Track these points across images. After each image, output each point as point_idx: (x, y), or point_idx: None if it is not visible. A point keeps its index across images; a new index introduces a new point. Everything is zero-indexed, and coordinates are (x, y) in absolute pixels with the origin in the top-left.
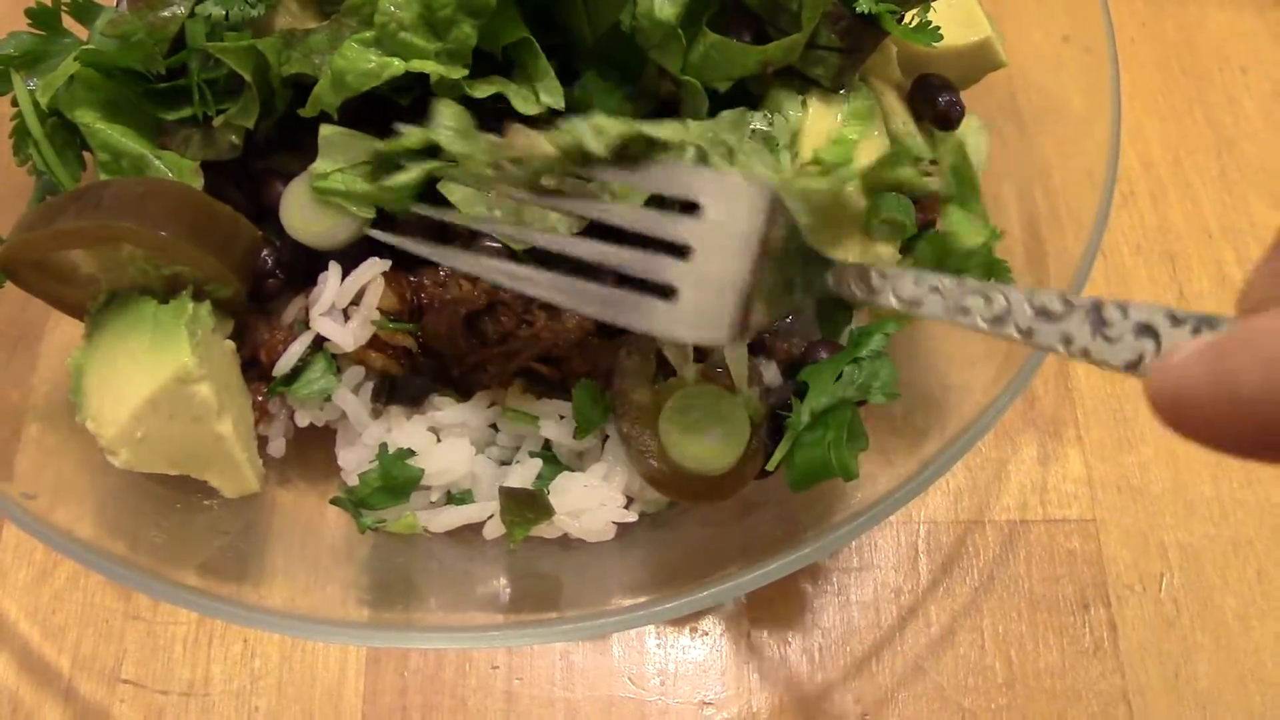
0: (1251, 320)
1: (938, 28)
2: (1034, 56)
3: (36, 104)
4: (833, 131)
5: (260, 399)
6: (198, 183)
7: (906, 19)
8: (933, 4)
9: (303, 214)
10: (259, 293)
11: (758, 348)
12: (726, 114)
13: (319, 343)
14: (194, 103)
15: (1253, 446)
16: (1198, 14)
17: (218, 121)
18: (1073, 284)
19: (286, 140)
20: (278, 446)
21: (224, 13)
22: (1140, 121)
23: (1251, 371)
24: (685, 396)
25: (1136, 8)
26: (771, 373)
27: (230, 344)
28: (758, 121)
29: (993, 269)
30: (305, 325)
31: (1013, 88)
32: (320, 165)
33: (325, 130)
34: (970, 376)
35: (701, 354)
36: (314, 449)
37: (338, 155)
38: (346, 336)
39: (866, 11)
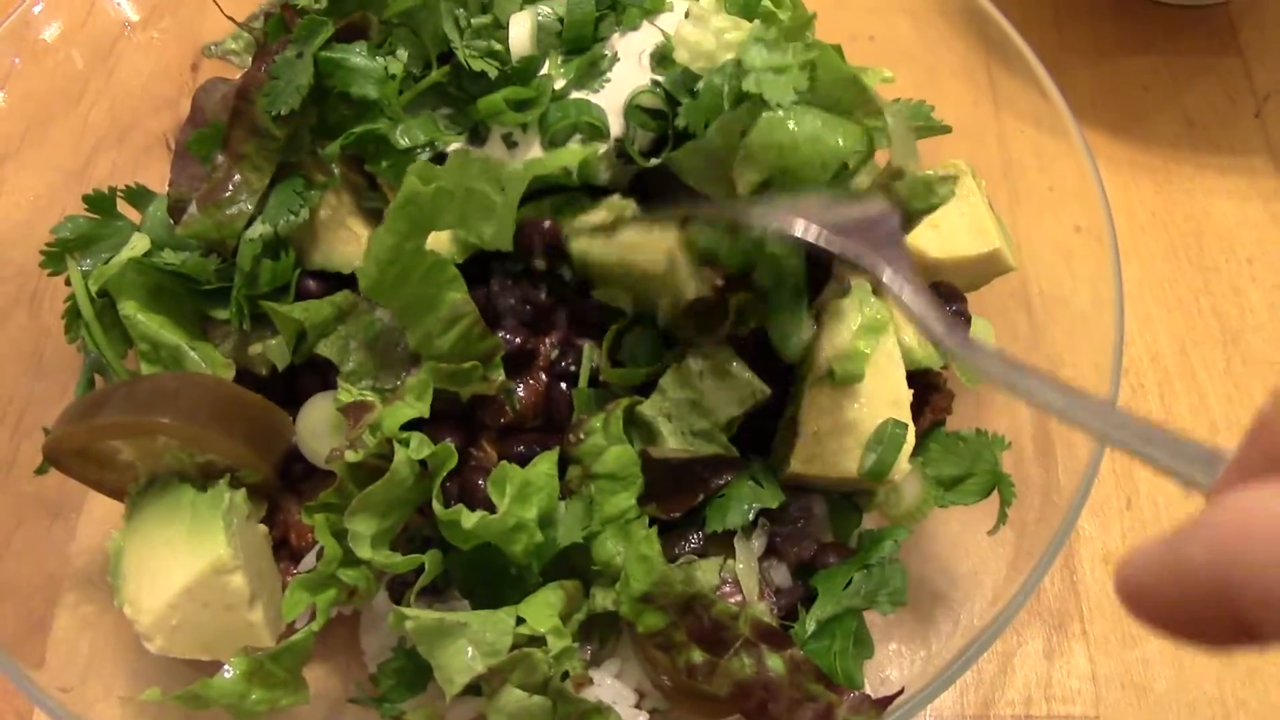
0: (1206, 511)
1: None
2: (1047, 245)
3: (87, 288)
4: (846, 345)
5: (289, 580)
6: (229, 374)
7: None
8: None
9: (316, 433)
10: (289, 473)
11: (769, 550)
12: (666, 380)
13: None
14: (231, 315)
15: (1197, 633)
16: (1205, 204)
17: (254, 350)
18: (1082, 481)
19: None
20: (304, 621)
21: (273, 230)
22: (1149, 312)
23: (1197, 562)
24: None
25: (1145, 196)
26: (782, 574)
27: (263, 528)
28: (697, 364)
29: (998, 481)
30: None
31: (1025, 276)
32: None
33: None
34: (978, 565)
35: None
36: (339, 628)
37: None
38: None
39: None
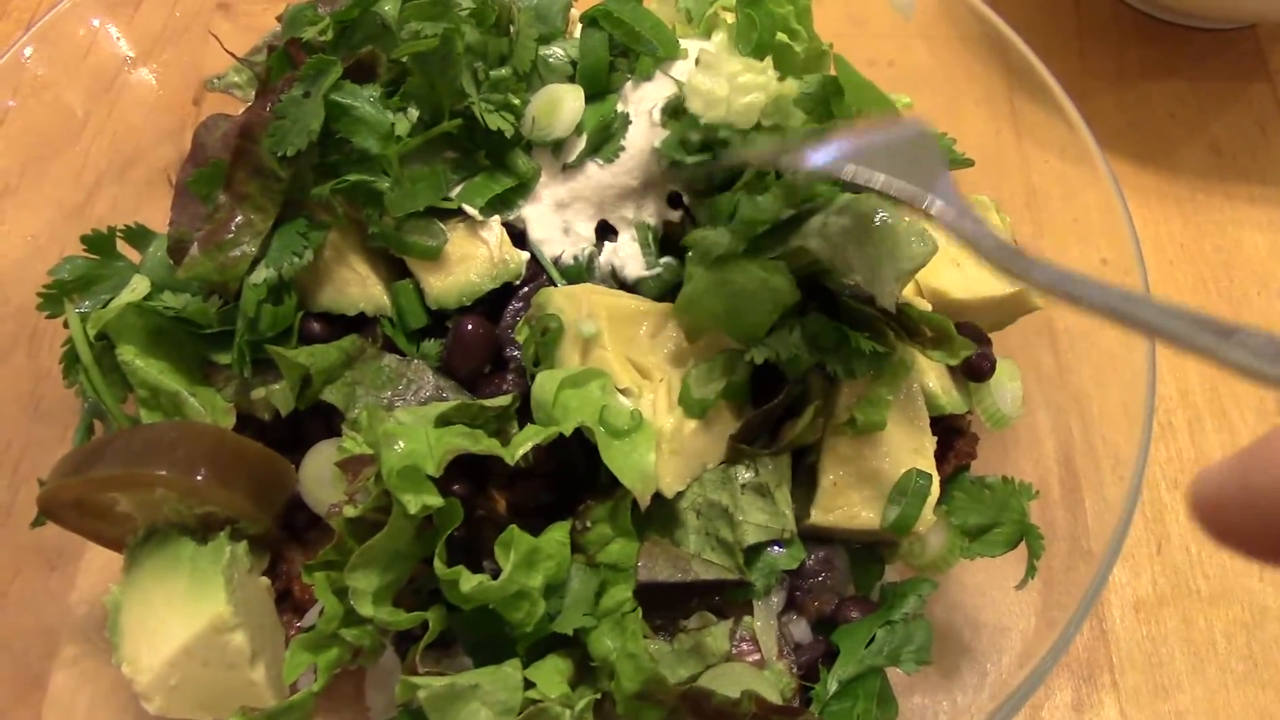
0: (1272, 433)
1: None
2: None
3: (85, 332)
4: (868, 391)
5: (292, 633)
6: (230, 420)
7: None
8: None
9: (320, 482)
10: (292, 523)
11: (788, 604)
12: (708, 475)
13: None
14: (233, 360)
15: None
16: (1235, 234)
17: (256, 395)
18: (1114, 532)
19: None
20: (307, 679)
21: (277, 274)
22: None
23: (1265, 484)
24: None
25: (1174, 229)
26: (802, 630)
27: (265, 581)
28: (742, 474)
29: (1026, 532)
30: None
31: (1050, 312)
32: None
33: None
34: (1004, 614)
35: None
36: (345, 683)
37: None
38: None
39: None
